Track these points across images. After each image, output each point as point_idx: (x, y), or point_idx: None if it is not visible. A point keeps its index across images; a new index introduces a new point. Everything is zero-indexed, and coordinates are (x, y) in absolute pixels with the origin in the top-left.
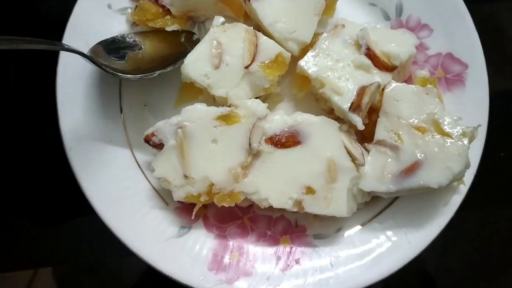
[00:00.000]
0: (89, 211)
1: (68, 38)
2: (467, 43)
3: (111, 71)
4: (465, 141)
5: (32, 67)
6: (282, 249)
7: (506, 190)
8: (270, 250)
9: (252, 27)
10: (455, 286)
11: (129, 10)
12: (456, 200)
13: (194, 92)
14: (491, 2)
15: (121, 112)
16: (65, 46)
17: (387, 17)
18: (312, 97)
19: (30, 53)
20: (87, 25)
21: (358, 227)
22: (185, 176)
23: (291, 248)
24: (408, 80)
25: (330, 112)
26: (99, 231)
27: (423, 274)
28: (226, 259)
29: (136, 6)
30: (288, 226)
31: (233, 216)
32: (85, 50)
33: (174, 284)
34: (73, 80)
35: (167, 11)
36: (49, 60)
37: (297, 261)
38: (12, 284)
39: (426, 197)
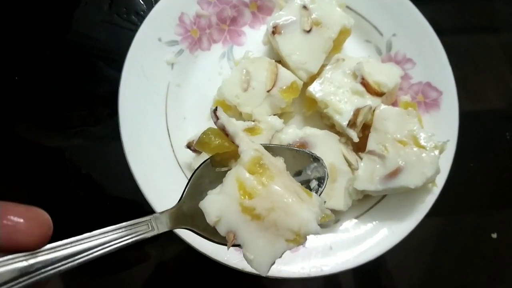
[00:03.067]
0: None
1: (127, 68)
2: (442, 75)
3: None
4: (436, 152)
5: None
6: None
7: (473, 195)
8: None
9: (274, 60)
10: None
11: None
12: (430, 199)
13: (225, 108)
14: (466, 39)
15: (166, 123)
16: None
17: (379, 52)
18: (318, 115)
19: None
20: (142, 55)
21: (353, 219)
22: None
23: None
24: (394, 104)
25: (332, 127)
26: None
27: (385, 273)
28: None
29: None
30: None
31: None
32: (141, 77)
33: (180, 279)
34: (132, 98)
35: None
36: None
37: (303, 245)
38: None
39: (407, 196)
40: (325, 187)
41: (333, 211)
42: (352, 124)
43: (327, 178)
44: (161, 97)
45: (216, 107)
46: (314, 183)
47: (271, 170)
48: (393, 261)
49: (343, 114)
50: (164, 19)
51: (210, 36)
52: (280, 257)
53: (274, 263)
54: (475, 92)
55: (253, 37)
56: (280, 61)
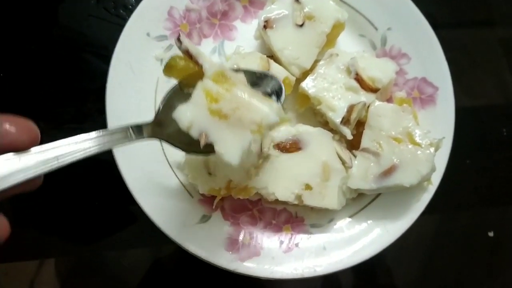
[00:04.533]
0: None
1: (115, 64)
2: (438, 70)
3: None
4: (432, 150)
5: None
6: (285, 235)
7: (470, 193)
8: (275, 236)
9: (265, 55)
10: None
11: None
12: (425, 197)
13: None
14: (463, 33)
15: None
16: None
17: (374, 47)
18: (311, 112)
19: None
20: (130, 51)
21: (347, 218)
22: (209, 174)
23: (292, 234)
24: (389, 100)
25: (325, 124)
26: (101, 226)
27: (382, 271)
28: (239, 242)
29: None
30: (290, 217)
31: (244, 208)
32: (129, 73)
33: (176, 279)
34: (120, 94)
35: None
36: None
37: (296, 245)
38: (19, 273)
39: (402, 194)
40: (283, 101)
41: (327, 210)
42: (345, 121)
43: (284, 93)
44: (150, 94)
45: (179, 34)
46: (273, 99)
47: (233, 80)
48: (390, 259)
49: (336, 111)
50: (153, 13)
51: (201, 30)
52: (246, 150)
53: (243, 154)
54: (472, 87)
55: (245, 32)
56: (272, 56)
